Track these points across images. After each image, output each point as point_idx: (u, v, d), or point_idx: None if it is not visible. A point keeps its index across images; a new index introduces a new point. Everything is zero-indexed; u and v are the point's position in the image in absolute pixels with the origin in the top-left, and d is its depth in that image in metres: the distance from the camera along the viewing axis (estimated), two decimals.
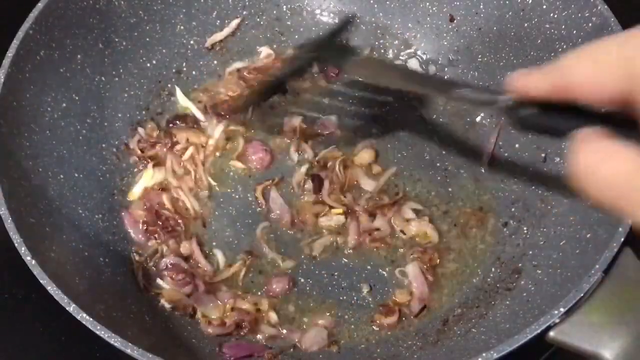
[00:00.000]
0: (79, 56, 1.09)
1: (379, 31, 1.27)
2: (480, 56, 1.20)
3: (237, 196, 1.14)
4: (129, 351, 0.79)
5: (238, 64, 1.25)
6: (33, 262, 0.84)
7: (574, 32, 1.03)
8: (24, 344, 1.02)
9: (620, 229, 0.84)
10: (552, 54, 1.07)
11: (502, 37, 1.15)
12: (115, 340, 0.80)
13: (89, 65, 1.11)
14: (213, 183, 1.14)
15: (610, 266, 0.83)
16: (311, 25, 1.28)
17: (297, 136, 1.16)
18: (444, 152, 1.17)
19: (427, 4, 1.23)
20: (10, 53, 0.98)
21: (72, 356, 1.02)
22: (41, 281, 0.83)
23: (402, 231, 1.09)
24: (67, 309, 0.82)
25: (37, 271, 0.84)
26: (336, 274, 1.07)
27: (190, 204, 1.11)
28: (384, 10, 1.26)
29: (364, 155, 1.15)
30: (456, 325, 1.01)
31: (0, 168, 0.92)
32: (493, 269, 1.05)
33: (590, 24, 1.01)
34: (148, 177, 1.13)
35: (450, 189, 1.14)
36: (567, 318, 0.81)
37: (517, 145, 1.13)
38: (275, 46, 1.27)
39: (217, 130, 1.18)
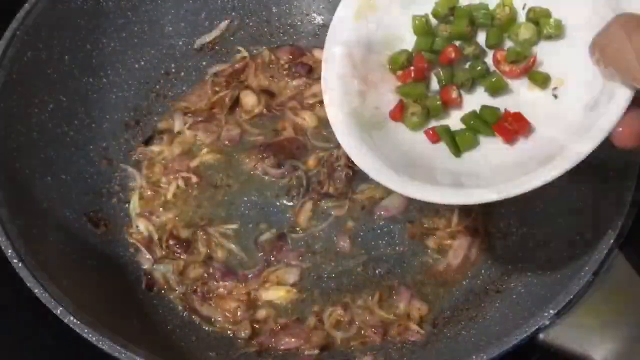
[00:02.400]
0: (66, 57, 1.08)
1: None
2: None
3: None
4: (116, 354, 0.79)
5: (215, 68, 1.26)
6: (20, 264, 0.84)
7: None
8: (14, 348, 1.01)
9: (610, 231, 0.84)
10: None
11: None
12: (104, 344, 0.80)
13: (76, 67, 1.10)
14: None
15: (600, 268, 0.83)
16: (300, 26, 1.28)
17: None
18: None
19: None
20: None
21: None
22: (28, 284, 0.83)
23: None
24: (54, 311, 0.81)
25: (24, 274, 0.83)
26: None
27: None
28: None
29: None
30: (446, 328, 1.01)
31: None
32: (483, 271, 1.05)
33: None
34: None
35: None
36: (557, 320, 0.81)
37: None
38: (263, 47, 1.27)
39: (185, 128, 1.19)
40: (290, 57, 1.25)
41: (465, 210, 1.09)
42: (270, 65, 1.24)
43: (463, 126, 0.76)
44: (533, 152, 0.70)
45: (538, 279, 0.96)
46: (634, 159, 0.88)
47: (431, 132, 0.76)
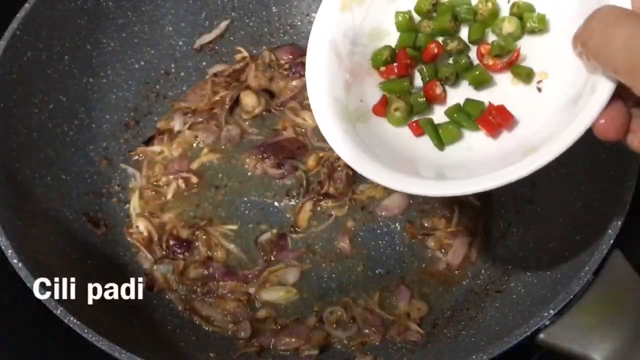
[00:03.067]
0: (66, 57, 1.08)
1: None
2: None
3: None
4: (116, 354, 0.79)
5: (215, 68, 1.25)
6: (20, 264, 0.83)
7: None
8: (14, 348, 1.01)
9: (609, 231, 0.84)
10: None
11: None
12: (103, 344, 0.80)
13: (76, 67, 1.10)
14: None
15: (599, 268, 0.83)
16: (300, 26, 1.28)
17: None
18: None
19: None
20: None
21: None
22: (28, 284, 0.83)
23: None
24: (54, 312, 0.81)
25: (24, 274, 0.83)
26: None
27: None
28: None
29: None
30: (446, 328, 1.01)
31: None
32: (483, 271, 1.05)
33: None
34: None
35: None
36: (557, 320, 0.81)
37: None
38: (263, 47, 1.27)
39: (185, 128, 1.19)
40: (290, 57, 1.25)
41: (465, 210, 1.09)
42: (270, 65, 1.24)
43: (447, 119, 0.76)
44: (516, 144, 0.70)
45: (538, 279, 0.95)
46: (634, 159, 0.88)
47: (414, 124, 0.76)
